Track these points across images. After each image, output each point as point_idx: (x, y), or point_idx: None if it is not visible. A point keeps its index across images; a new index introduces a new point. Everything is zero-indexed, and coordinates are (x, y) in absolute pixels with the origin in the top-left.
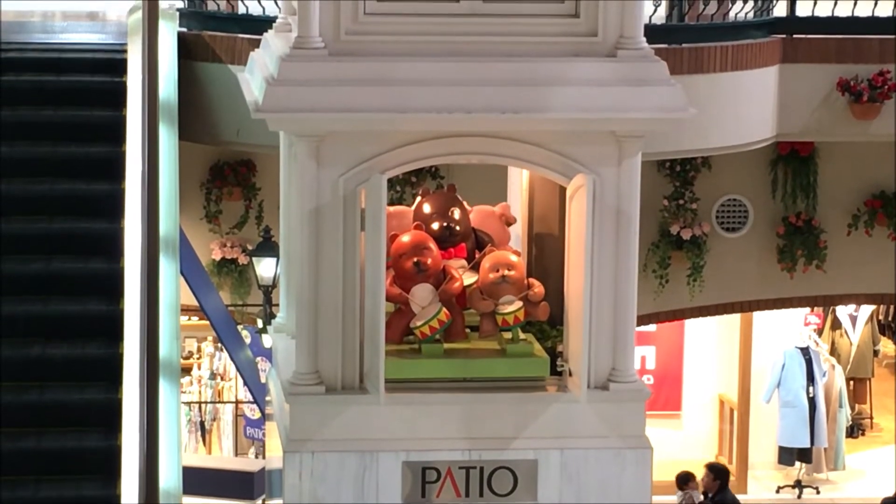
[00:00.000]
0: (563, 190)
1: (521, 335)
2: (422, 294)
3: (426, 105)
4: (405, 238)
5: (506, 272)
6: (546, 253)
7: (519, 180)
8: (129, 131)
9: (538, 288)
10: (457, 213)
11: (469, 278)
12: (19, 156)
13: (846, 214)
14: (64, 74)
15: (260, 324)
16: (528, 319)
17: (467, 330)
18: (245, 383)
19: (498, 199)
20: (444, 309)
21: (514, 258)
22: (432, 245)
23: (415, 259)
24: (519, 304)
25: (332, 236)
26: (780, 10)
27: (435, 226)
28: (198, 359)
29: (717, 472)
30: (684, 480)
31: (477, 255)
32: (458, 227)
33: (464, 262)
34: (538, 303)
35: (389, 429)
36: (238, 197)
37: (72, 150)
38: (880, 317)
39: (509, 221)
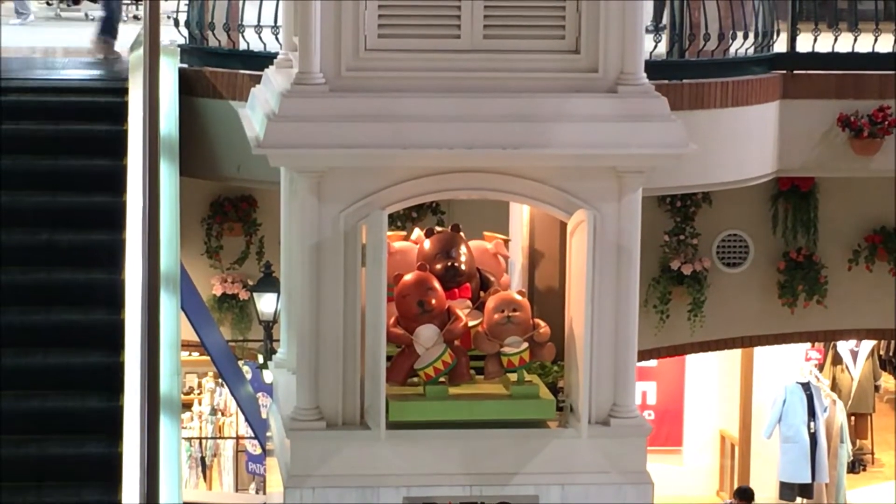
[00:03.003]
0: (563, 225)
1: (527, 376)
2: (426, 335)
3: (427, 141)
4: (408, 278)
5: (511, 313)
6: (546, 288)
7: (520, 216)
8: (129, 167)
9: (544, 329)
10: (461, 254)
11: (474, 319)
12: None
13: (847, 250)
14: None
15: (261, 359)
16: (533, 361)
17: (472, 371)
18: (246, 419)
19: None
20: (449, 350)
21: (519, 298)
22: (436, 285)
23: (418, 299)
24: (524, 345)
25: (333, 272)
26: (780, 46)
27: (439, 266)
28: (198, 394)
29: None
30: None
31: (482, 296)
32: (462, 267)
33: (468, 303)
34: (544, 343)
35: (390, 464)
36: (239, 232)
37: (71, 177)
38: (881, 352)
39: (503, 256)
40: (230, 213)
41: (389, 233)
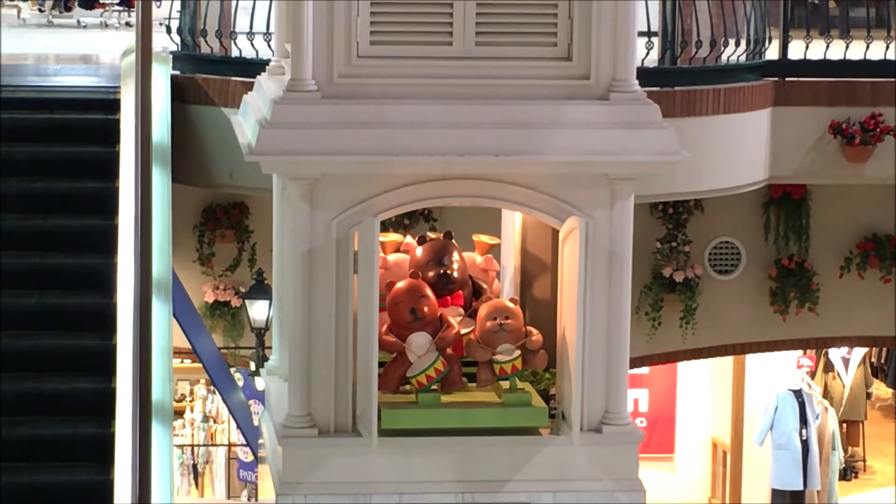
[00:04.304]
0: (556, 232)
1: (519, 384)
2: (418, 342)
3: (419, 148)
4: (401, 285)
5: (503, 321)
6: (539, 296)
7: (512, 223)
8: (121, 172)
9: (536, 336)
10: (454, 261)
11: (466, 327)
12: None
13: (839, 257)
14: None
15: (252, 366)
16: (525, 368)
17: (464, 379)
18: (238, 426)
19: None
20: (441, 358)
21: (511, 306)
22: (428, 292)
23: (411, 307)
24: (517, 352)
25: (325, 279)
26: (772, 53)
27: (431, 273)
28: (190, 402)
29: None
30: None
31: (474, 303)
32: (454, 275)
33: (461, 310)
34: (536, 351)
35: (382, 472)
36: (231, 239)
37: (64, 185)
38: (873, 359)
39: (493, 271)
40: (222, 219)
41: (387, 238)
